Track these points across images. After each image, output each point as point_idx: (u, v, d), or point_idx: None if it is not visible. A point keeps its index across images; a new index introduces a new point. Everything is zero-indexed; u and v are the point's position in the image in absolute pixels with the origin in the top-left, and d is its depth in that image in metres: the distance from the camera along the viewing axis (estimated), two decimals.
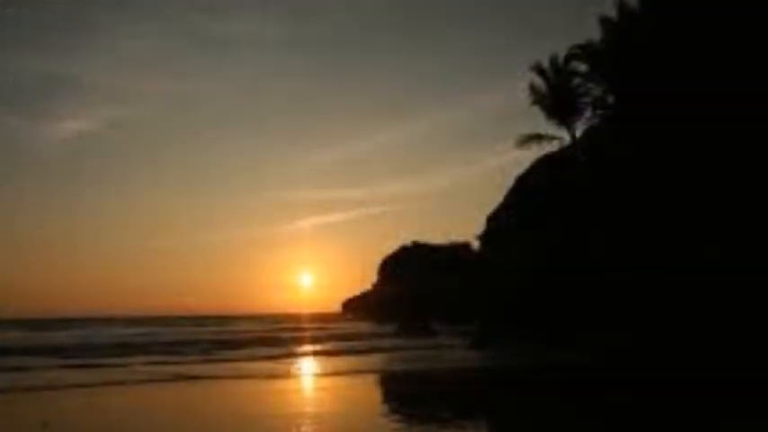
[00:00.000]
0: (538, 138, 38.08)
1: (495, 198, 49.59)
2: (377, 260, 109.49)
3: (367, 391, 20.62)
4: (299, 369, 28.26)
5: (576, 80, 36.56)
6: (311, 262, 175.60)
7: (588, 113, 35.92)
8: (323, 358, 34.20)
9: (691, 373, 20.69)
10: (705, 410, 14.02)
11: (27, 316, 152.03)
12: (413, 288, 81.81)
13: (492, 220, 47.33)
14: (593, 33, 34.17)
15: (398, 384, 22.45)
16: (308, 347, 43.39)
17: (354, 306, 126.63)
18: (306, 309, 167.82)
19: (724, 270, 23.09)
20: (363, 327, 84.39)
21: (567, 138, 37.48)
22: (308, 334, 66.04)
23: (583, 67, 36.09)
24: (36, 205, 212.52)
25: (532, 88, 37.93)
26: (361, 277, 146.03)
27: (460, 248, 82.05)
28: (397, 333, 61.03)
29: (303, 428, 12.85)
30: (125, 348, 43.54)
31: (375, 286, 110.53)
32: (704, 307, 23.57)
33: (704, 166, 24.93)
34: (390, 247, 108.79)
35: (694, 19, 26.63)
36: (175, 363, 31.05)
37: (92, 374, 25.75)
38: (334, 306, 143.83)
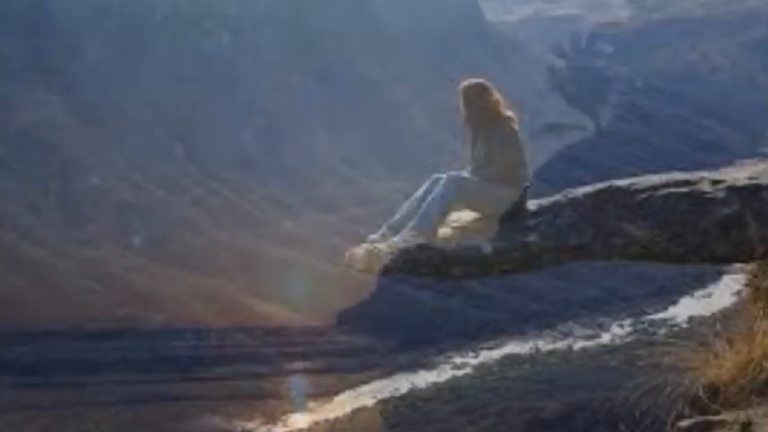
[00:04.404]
0: (557, 128, 38.14)
1: None
2: None
3: (365, 413, 20.58)
4: (289, 388, 28.21)
5: (601, 62, 36.61)
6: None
7: (615, 100, 35.95)
8: (316, 375, 34.13)
9: None
10: None
11: None
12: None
13: None
14: (621, 11, 34.23)
15: (401, 406, 22.40)
16: (300, 364, 43.30)
17: (352, 317, 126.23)
18: (297, 320, 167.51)
19: None
20: (361, 340, 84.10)
21: (590, 127, 37.51)
22: (299, 349, 65.86)
23: (608, 48, 36.12)
24: None
25: (551, 71, 37.97)
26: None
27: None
28: (400, 349, 60.85)
29: None
30: (92, 365, 43.42)
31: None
32: None
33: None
34: None
35: None
36: (150, 382, 30.98)
37: (54, 395, 25.71)
38: (330, 317, 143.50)
